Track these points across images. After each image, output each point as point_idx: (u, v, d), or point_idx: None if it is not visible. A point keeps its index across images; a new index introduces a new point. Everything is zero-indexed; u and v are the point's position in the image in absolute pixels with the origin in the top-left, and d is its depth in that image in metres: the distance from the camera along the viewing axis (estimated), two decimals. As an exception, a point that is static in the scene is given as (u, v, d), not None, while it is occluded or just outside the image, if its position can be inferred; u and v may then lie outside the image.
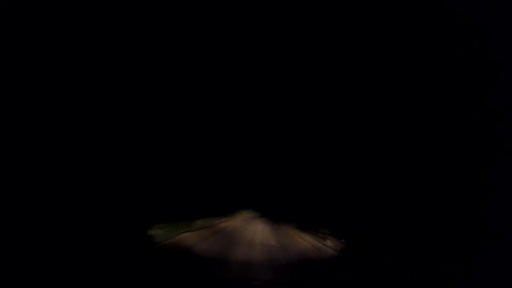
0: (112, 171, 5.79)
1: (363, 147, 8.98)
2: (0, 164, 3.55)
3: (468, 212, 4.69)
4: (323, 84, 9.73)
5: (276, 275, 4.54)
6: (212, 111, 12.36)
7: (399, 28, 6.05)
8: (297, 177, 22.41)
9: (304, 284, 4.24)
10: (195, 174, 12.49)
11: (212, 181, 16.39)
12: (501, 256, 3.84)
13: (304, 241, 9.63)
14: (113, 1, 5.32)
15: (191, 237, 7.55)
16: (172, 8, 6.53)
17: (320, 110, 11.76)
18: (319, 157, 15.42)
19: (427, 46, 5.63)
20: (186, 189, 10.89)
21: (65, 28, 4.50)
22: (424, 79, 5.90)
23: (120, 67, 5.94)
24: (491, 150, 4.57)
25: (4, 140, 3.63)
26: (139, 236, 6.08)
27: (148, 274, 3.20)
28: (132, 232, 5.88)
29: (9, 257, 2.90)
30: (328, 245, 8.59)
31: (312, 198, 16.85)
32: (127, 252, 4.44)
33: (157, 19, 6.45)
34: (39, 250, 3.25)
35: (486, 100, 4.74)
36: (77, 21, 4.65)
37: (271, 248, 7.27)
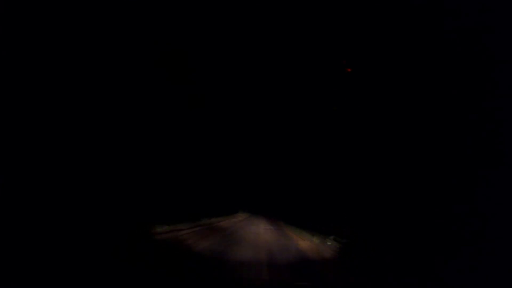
0: (113, 172, 5.80)
1: (363, 147, 8.98)
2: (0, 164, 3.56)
3: (468, 212, 4.69)
4: (322, 84, 9.73)
5: (276, 275, 4.54)
6: (214, 113, 12.39)
7: (398, 28, 6.05)
8: (298, 177, 22.40)
9: (304, 284, 4.24)
10: (196, 174, 12.50)
11: (213, 181, 16.41)
12: (502, 255, 3.84)
13: (304, 241, 9.63)
14: (114, 1, 5.34)
15: (191, 237, 7.55)
16: (174, 9, 6.54)
17: (321, 111, 11.76)
18: (319, 157, 15.42)
19: (427, 46, 5.63)
20: (186, 189, 10.90)
21: (66, 28, 4.52)
22: (424, 79, 5.90)
23: (122, 68, 5.95)
24: (491, 149, 4.57)
25: (4, 140, 3.64)
26: (139, 235, 6.09)
27: (148, 273, 3.20)
28: (132, 232, 5.89)
29: (8, 251, 2.91)
30: (328, 245, 8.58)
31: (312, 198, 16.84)
32: (127, 251, 4.44)
33: (158, 19, 6.46)
34: (39, 249, 3.26)
35: (487, 100, 4.73)
36: (77, 21, 4.66)
37: (271, 248, 7.26)
